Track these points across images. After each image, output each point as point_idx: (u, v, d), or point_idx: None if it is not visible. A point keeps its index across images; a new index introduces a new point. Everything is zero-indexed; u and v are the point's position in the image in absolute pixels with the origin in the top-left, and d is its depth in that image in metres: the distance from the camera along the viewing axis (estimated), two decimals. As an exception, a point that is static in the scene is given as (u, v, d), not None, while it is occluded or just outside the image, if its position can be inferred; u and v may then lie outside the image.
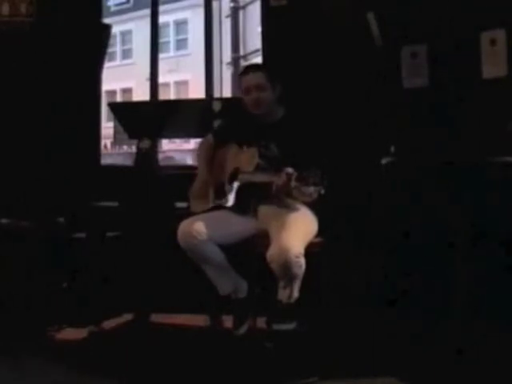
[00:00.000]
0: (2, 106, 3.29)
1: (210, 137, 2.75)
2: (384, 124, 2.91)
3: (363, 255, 2.84)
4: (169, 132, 3.62)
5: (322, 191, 2.09)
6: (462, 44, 2.79)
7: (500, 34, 2.70)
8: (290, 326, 2.25)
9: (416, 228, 2.77)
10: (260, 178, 2.39)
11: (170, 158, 14.76)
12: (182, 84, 17.93)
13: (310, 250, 2.25)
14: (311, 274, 2.24)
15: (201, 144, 2.80)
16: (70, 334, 2.72)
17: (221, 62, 13.70)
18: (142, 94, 11.83)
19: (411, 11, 2.88)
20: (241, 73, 2.65)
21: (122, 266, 2.98)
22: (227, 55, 14.41)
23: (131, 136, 3.40)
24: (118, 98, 18.55)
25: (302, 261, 2.19)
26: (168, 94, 16.81)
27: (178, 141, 15.07)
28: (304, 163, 2.14)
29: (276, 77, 2.55)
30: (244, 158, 2.50)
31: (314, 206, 2.39)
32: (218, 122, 3.09)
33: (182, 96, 16.48)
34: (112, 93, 17.81)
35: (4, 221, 2.93)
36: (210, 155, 2.68)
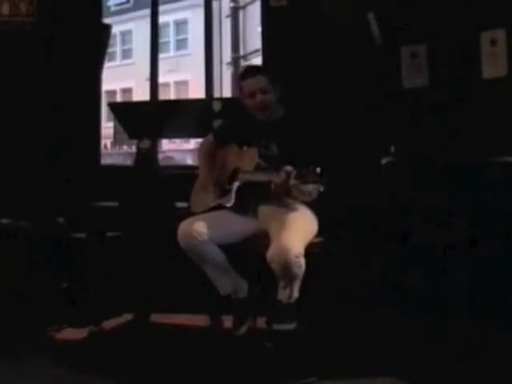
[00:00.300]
0: (2, 106, 3.29)
1: (210, 137, 2.75)
2: (384, 124, 2.91)
3: (363, 255, 2.84)
4: (169, 132, 3.62)
5: (321, 189, 2.09)
6: (461, 44, 2.80)
7: (500, 34, 2.70)
8: (289, 326, 2.25)
9: (416, 228, 2.77)
10: (260, 177, 2.39)
11: (170, 158, 14.77)
12: (182, 84, 17.93)
13: (310, 250, 2.25)
14: (311, 273, 2.24)
15: (201, 144, 2.80)
16: (70, 333, 2.71)
17: (221, 62, 13.70)
18: (142, 93, 11.83)
19: (411, 11, 2.88)
20: (241, 76, 2.58)
21: (122, 266, 2.98)
22: (227, 55, 14.41)
23: (131, 136, 3.40)
24: (118, 98, 18.54)
25: (302, 261, 2.18)
26: (168, 94, 16.81)
27: (178, 141, 15.07)
28: (304, 162, 2.14)
29: (276, 77, 2.55)
30: (244, 158, 2.50)
31: (313, 206, 2.39)
32: (218, 122, 3.09)
33: (182, 96, 16.47)
34: (112, 93, 17.81)
35: (4, 221, 2.93)
36: (212, 155, 2.68)
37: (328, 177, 2.08)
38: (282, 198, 2.36)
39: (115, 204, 3.01)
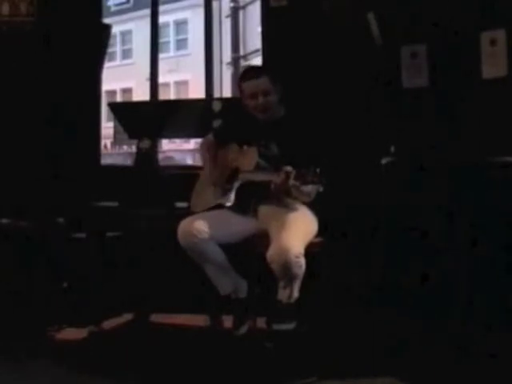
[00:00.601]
0: (2, 106, 3.29)
1: (210, 136, 2.75)
2: (384, 124, 2.91)
3: (363, 255, 2.84)
4: (169, 132, 3.63)
5: (321, 189, 2.09)
6: (462, 44, 2.80)
7: (500, 34, 2.70)
8: (289, 326, 2.25)
9: (416, 228, 2.77)
10: (260, 177, 2.40)
11: (170, 158, 14.78)
12: (182, 84, 17.93)
13: (310, 250, 2.25)
14: (311, 273, 2.24)
15: (202, 144, 2.80)
16: (70, 333, 2.71)
17: (221, 62, 13.71)
18: (142, 93, 11.81)
19: (411, 11, 2.88)
20: (242, 77, 2.57)
21: (122, 266, 2.98)
22: (227, 55, 14.42)
23: (131, 136, 3.40)
24: (118, 98, 18.55)
25: (302, 261, 2.18)
26: (168, 94, 16.81)
27: (178, 141, 15.08)
28: (304, 162, 2.14)
29: (276, 77, 2.55)
30: (244, 158, 2.50)
31: (313, 206, 2.39)
32: (218, 122, 3.09)
33: (182, 96, 16.47)
34: (112, 93, 17.81)
35: (4, 221, 2.93)
36: (214, 153, 2.68)
37: (328, 177, 2.09)
38: (282, 198, 2.36)
39: (115, 204, 3.01)
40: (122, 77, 17.37)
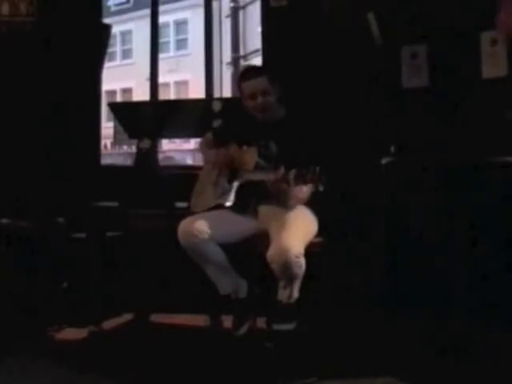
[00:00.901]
0: (2, 106, 3.29)
1: (209, 135, 2.76)
2: (384, 124, 2.91)
3: (363, 255, 2.84)
4: (169, 132, 3.62)
5: (321, 188, 2.09)
6: (462, 44, 2.80)
7: (500, 34, 2.70)
8: (289, 326, 2.25)
9: (416, 228, 2.77)
10: (259, 176, 2.40)
11: (170, 158, 14.78)
12: (182, 84, 17.94)
13: (310, 250, 2.25)
14: (311, 273, 2.24)
15: (201, 144, 2.80)
16: (70, 333, 2.71)
17: (221, 62, 13.70)
18: (142, 93, 11.81)
19: (411, 11, 2.89)
20: (241, 77, 2.58)
21: (122, 266, 2.98)
22: (227, 55, 14.41)
23: (131, 136, 3.40)
24: (118, 98, 18.55)
25: (302, 261, 2.19)
26: (168, 94, 16.82)
27: (178, 141, 15.08)
28: (303, 162, 2.14)
29: (275, 77, 2.55)
30: (244, 158, 2.50)
31: (313, 206, 2.39)
32: (218, 122, 3.09)
33: (182, 96, 16.48)
34: (112, 93, 17.82)
35: (4, 221, 2.93)
36: (213, 149, 2.68)
37: (328, 177, 2.09)
38: (282, 198, 2.36)
39: (115, 204, 3.01)
40: (122, 77, 17.38)
